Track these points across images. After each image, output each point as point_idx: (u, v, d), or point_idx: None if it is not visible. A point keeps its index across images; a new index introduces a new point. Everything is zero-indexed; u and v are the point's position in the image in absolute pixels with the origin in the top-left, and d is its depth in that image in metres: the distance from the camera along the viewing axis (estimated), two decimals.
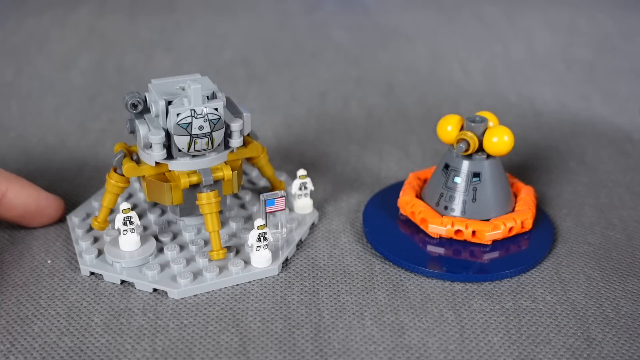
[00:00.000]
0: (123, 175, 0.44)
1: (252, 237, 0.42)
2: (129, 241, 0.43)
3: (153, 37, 0.80)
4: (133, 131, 0.44)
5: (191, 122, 0.41)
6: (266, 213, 0.44)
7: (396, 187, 0.50)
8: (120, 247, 0.43)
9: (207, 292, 0.42)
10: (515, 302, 0.42)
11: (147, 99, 0.44)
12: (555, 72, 0.73)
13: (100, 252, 0.44)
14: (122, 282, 0.43)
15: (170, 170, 0.44)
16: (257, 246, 0.43)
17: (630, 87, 0.69)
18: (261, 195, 0.44)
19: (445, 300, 0.42)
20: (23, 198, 0.46)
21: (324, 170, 0.55)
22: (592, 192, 0.52)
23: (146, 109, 0.44)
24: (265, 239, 0.43)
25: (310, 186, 0.48)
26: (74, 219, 0.47)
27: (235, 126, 0.43)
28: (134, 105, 0.43)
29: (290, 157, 0.57)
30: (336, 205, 0.51)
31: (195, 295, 0.42)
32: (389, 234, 0.46)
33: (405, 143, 0.59)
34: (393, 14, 0.88)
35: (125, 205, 0.43)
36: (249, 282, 0.43)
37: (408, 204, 0.47)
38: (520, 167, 0.56)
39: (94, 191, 0.51)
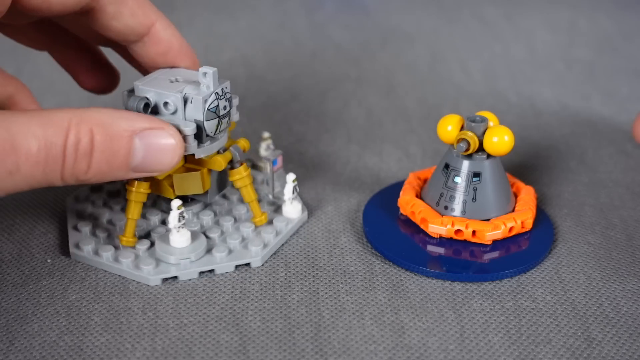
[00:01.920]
0: (146, 181, 0.43)
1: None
2: (185, 237, 0.43)
3: None
4: None
5: (218, 105, 0.42)
6: (272, 172, 0.49)
7: (396, 187, 0.50)
8: (175, 244, 0.43)
9: (207, 291, 0.42)
10: (516, 302, 0.42)
11: (151, 99, 0.43)
12: (555, 72, 0.73)
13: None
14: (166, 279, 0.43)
15: (187, 162, 0.44)
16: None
17: (630, 87, 0.69)
18: (264, 157, 0.49)
19: (445, 300, 0.42)
20: (170, 33, 0.45)
21: (324, 170, 0.55)
22: (592, 192, 0.52)
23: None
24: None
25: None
26: (84, 229, 0.46)
27: (235, 101, 0.45)
28: (147, 105, 0.42)
29: (290, 157, 0.57)
30: (336, 205, 0.51)
31: (195, 295, 0.42)
32: (389, 233, 0.46)
33: (405, 143, 0.59)
34: (393, 14, 0.88)
35: (178, 201, 0.43)
36: (250, 281, 0.43)
37: (408, 203, 0.47)
38: (520, 167, 0.56)
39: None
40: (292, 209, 0.48)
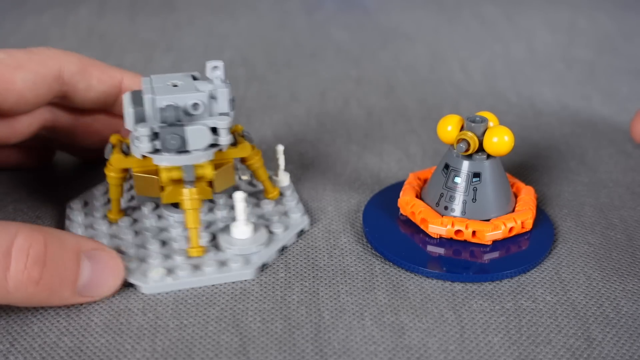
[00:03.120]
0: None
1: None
2: (249, 228, 0.44)
3: (153, 37, 0.80)
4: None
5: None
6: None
7: (396, 187, 0.50)
8: (240, 236, 0.44)
9: (207, 292, 0.42)
10: (516, 302, 0.42)
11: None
12: (555, 72, 0.73)
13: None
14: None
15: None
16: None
17: (630, 87, 0.69)
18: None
19: (445, 300, 0.42)
20: (139, 83, 0.48)
21: (324, 170, 0.55)
22: (592, 192, 0.52)
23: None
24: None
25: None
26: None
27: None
28: (185, 112, 0.42)
29: (290, 157, 0.57)
30: (336, 205, 0.51)
31: (195, 296, 0.42)
32: (389, 234, 0.46)
33: (405, 143, 0.59)
34: (393, 14, 0.88)
35: (242, 193, 0.43)
36: (250, 282, 0.43)
37: (408, 204, 0.47)
38: (520, 167, 0.56)
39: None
40: (283, 177, 0.50)
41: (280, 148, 0.50)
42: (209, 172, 0.44)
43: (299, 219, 0.48)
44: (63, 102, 0.48)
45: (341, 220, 0.49)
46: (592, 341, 0.39)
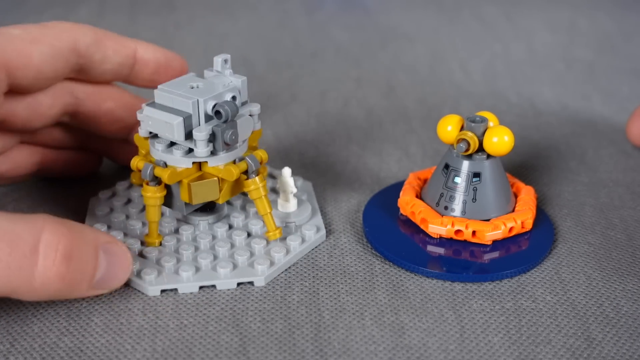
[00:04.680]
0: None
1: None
2: (294, 202, 0.47)
3: (153, 37, 0.80)
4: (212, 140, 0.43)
5: None
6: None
7: (396, 187, 0.50)
8: (285, 209, 0.47)
9: (207, 292, 0.42)
10: (516, 302, 0.42)
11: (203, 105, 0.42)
12: (555, 72, 0.73)
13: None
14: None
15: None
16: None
17: (630, 87, 0.69)
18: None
19: (445, 300, 0.42)
20: (151, 52, 0.48)
21: (324, 170, 0.55)
22: (592, 192, 0.52)
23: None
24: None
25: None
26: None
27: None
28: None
29: (290, 157, 0.57)
30: (336, 205, 0.51)
31: (195, 296, 0.42)
32: (389, 234, 0.46)
33: (405, 143, 0.59)
34: (393, 14, 0.88)
35: (288, 169, 0.46)
36: (249, 284, 0.43)
37: (408, 204, 0.47)
38: (520, 167, 0.56)
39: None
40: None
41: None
42: (264, 155, 0.45)
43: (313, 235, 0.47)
44: (79, 76, 0.47)
45: (341, 220, 0.49)
46: (592, 341, 0.39)
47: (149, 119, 0.42)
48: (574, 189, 0.53)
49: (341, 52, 0.77)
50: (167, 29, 0.83)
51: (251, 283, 0.43)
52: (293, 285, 0.43)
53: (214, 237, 0.45)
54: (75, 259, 0.37)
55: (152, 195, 0.43)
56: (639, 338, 0.39)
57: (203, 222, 0.46)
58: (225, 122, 0.42)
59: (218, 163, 0.43)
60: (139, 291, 0.42)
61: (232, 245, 0.45)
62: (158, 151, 0.43)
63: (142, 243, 0.45)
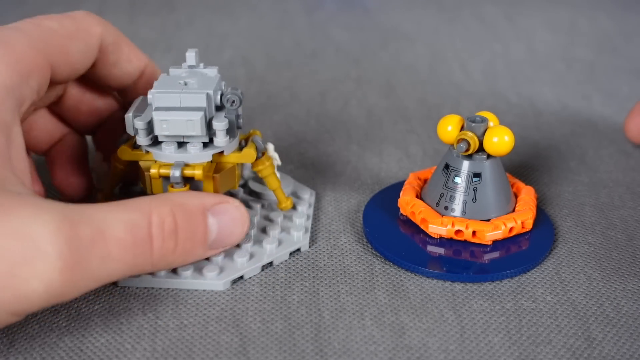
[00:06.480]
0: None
1: None
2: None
3: (153, 36, 0.80)
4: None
5: None
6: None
7: (396, 187, 0.50)
8: None
9: (207, 292, 0.42)
10: (516, 302, 0.42)
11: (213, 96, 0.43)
12: (555, 72, 0.73)
13: None
14: None
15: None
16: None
17: (630, 87, 0.69)
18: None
19: (445, 300, 0.42)
20: (153, 72, 0.48)
21: (324, 170, 0.55)
22: (592, 192, 0.52)
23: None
24: None
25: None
26: None
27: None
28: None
29: (290, 157, 0.57)
30: (336, 205, 0.51)
31: (195, 296, 0.42)
32: (389, 234, 0.46)
33: (405, 143, 0.59)
34: (393, 14, 0.88)
35: (272, 145, 0.47)
36: (250, 282, 0.43)
37: (408, 204, 0.47)
38: (520, 167, 0.56)
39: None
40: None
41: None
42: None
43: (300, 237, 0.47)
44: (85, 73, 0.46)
45: (341, 220, 0.49)
46: (592, 341, 0.39)
47: (164, 123, 0.42)
48: (574, 189, 0.53)
49: (341, 52, 0.77)
50: (167, 28, 0.83)
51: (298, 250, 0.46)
52: (293, 285, 0.43)
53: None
54: (181, 232, 0.39)
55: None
56: (639, 338, 0.39)
57: None
58: (237, 108, 0.43)
59: (232, 149, 0.44)
60: (139, 289, 0.42)
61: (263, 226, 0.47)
62: (171, 153, 0.43)
63: None
